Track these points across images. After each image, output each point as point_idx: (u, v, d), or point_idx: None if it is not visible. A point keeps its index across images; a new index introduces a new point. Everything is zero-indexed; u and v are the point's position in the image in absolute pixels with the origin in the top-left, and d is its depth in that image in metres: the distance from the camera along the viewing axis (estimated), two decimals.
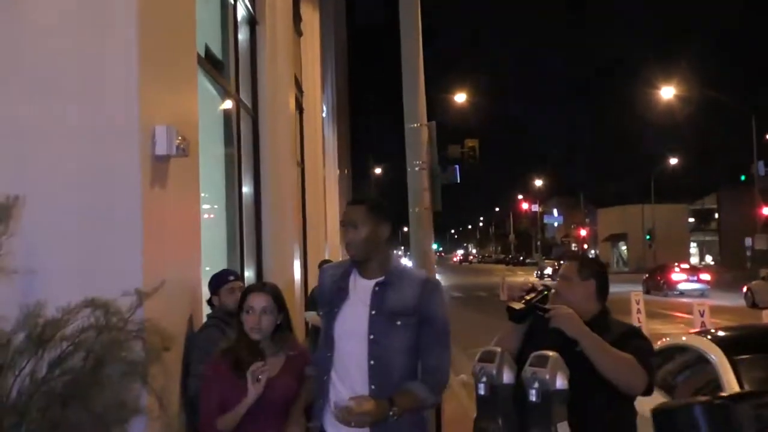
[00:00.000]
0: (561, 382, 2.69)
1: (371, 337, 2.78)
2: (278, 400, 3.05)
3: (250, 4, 7.41)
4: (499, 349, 2.90)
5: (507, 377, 2.83)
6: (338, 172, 19.53)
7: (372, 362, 2.76)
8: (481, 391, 2.85)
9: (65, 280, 2.95)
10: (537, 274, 45.52)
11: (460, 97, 26.35)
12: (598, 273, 3.08)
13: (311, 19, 13.72)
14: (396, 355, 2.78)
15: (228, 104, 6.67)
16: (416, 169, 7.49)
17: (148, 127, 3.28)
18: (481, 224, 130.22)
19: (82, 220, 3.11)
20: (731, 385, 4.18)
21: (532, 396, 2.71)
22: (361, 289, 2.86)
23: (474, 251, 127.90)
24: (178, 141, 3.42)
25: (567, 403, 2.70)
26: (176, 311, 3.59)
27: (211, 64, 5.87)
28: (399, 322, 2.78)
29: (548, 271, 44.87)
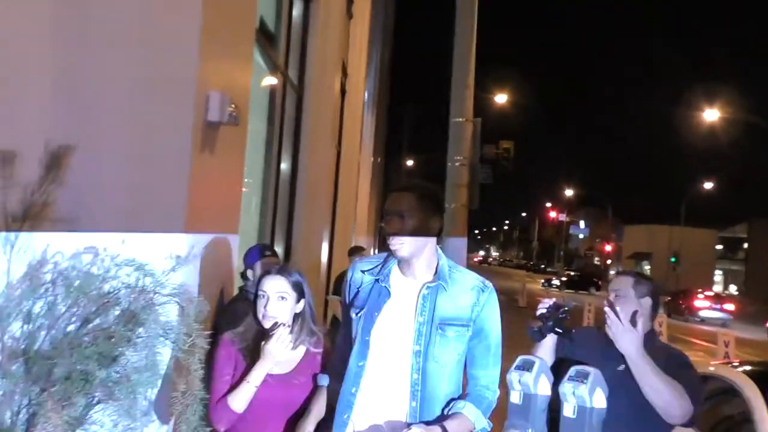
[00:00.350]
0: (599, 400, 2.61)
1: (416, 348, 2.43)
2: (291, 400, 2.72)
3: None
4: (537, 359, 2.82)
5: (543, 388, 2.75)
6: (372, 159, 19.48)
7: (415, 377, 2.42)
8: (515, 399, 2.78)
9: (108, 238, 2.91)
10: (544, 283, 44.29)
11: (501, 98, 26.10)
12: (653, 291, 2.98)
13: (362, 2, 13.64)
14: (443, 370, 2.45)
15: (276, 79, 6.63)
16: (456, 164, 7.41)
17: (203, 91, 3.23)
18: (506, 227, 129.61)
19: (130, 176, 3.07)
20: (763, 417, 4.08)
21: (568, 411, 2.63)
22: (406, 291, 2.51)
23: (495, 254, 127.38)
24: (230, 109, 3.37)
25: (602, 422, 2.62)
26: (210, 280, 3.55)
27: (264, 37, 5.82)
28: (451, 334, 2.45)
29: (556, 282, 43.74)
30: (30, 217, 2.64)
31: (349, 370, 2.51)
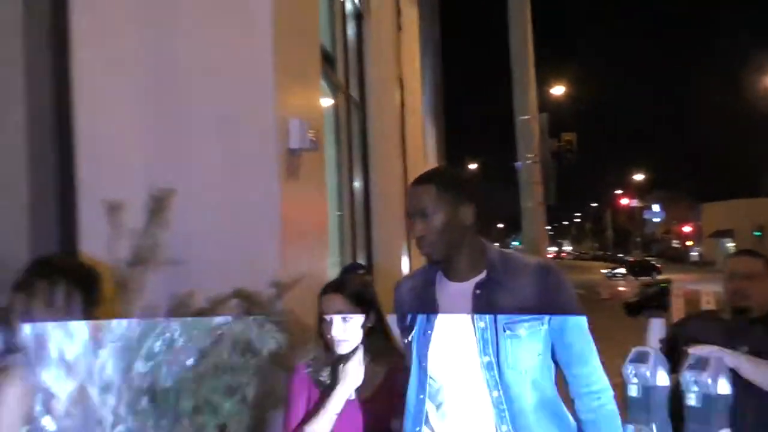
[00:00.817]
0: (723, 387, 2.53)
1: (486, 359, 2.03)
2: (371, 427, 2.36)
3: None
4: (652, 350, 2.76)
5: (662, 379, 2.68)
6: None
7: (495, 394, 2.02)
8: (633, 393, 2.71)
9: (210, 271, 3.01)
10: (607, 273, 42.77)
11: (558, 90, 25.70)
12: None
13: (410, 12, 13.69)
14: (525, 378, 2.04)
15: (339, 100, 6.72)
16: (528, 162, 7.34)
17: (282, 121, 3.32)
18: (577, 220, 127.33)
19: (225, 212, 3.18)
20: None
21: (693, 400, 2.56)
22: (456, 296, 2.11)
23: (568, 248, 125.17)
24: (310, 134, 3.45)
25: (729, 410, 2.54)
26: (308, 303, 3.62)
27: (325, 60, 5.92)
28: (522, 332, 2.04)
29: (621, 270, 42.39)
30: (139, 261, 2.75)
31: (407, 406, 2.15)
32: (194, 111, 3.22)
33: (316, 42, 4.29)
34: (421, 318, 2.13)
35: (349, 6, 7.31)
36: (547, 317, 2.07)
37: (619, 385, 2.65)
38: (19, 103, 2.87)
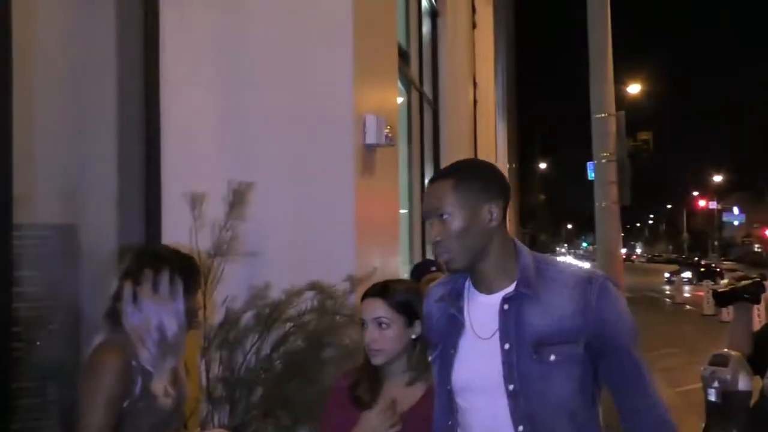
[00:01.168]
0: None
1: (511, 387, 1.73)
2: None
3: None
4: (733, 353, 2.66)
5: (743, 383, 2.59)
6: (507, 166, 19.29)
7: (521, 429, 1.73)
8: (712, 398, 2.63)
9: (287, 264, 3.08)
10: (670, 276, 40.30)
11: (634, 88, 25.03)
12: None
13: (485, 10, 13.61)
14: (559, 411, 1.73)
15: (413, 96, 6.74)
16: (603, 161, 7.16)
17: (359, 116, 3.35)
18: (650, 222, 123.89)
19: (301, 206, 3.23)
20: None
21: None
22: (482, 311, 1.80)
23: (639, 250, 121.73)
24: (386, 130, 3.47)
25: None
26: None
27: (400, 57, 5.95)
28: (554, 357, 1.72)
29: (687, 274, 40.22)
30: (220, 252, 2.83)
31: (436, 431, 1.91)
32: (273, 107, 3.29)
33: (393, 39, 4.32)
34: (446, 335, 1.84)
35: (425, 4, 7.32)
36: (584, 339, 1.73)
37: (696, 391, 2.56)
38: (110, 104, 3.00)
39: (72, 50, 2.83)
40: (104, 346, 1.92)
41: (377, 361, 2.09)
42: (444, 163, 7.55)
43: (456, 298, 1.85)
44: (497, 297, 1.78)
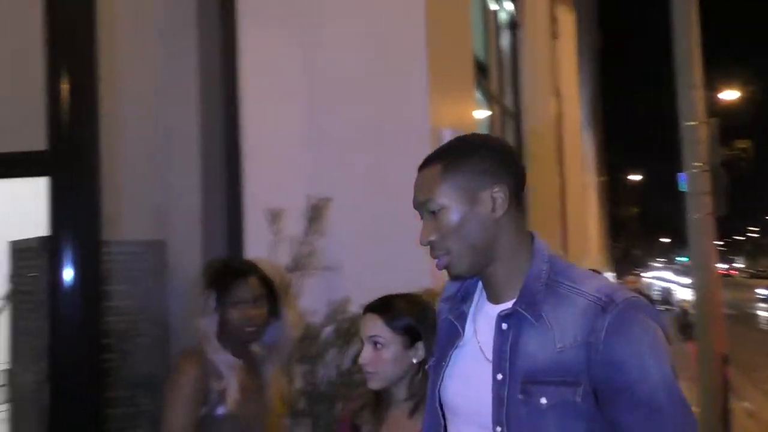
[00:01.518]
0: None
1: (498, 430, 1.32)
2: None
3: (514, 6, 7.40)
4: None
5: None
6: (596, 179, 18.84)
7: None
8: None
9: (364, 278, 3.09)
10: (764, 296, 35.28)
11: (729, 94, 23.98)
12: None
13: (567, 20, 13.38)
14: None
15: (493, 110, 6.69)
16: (695, 171, 6.88)
17: (436, 131, 3.36)
18: (752, 234, 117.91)
19: (378, 220, 3.26)
20: None
21: None
22: (488, 324, 1.40)
23: (740, 265, 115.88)
24: None
25: None
26: None
27: (478, 70, 5.93)
28: (545, 400, 1.29)
29: (765, 291, 36.39)
30: (298, 266, 2.89)
31: None
32: (349, 123, 3.34)
33: (468, 52, 4.31)
34: (442, 343, 1.49)
35: (503, 15, 7.28)
36: (585, 385, 1.28)
37: None
38: (193, 126, 3.13)
39: (156, 76, 2.97)
40: (183, 355, 2.01)
41: (372, 385, 1.87)
42: (529, 179, 7.40)
43: (462, 300, 1.49)
44: (497, 311, 1.39)
